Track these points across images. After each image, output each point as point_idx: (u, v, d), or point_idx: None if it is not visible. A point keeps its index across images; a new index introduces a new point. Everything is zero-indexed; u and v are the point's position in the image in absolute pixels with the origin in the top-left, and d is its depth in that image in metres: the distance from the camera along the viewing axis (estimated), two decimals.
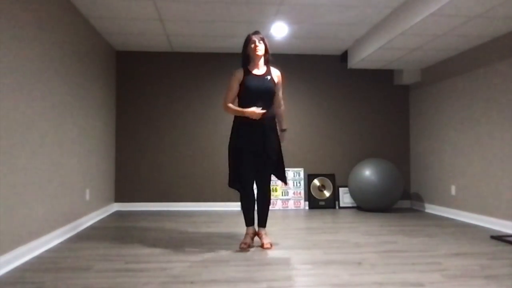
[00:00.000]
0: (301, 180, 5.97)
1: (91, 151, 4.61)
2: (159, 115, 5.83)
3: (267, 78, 3.42)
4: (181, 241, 3.67)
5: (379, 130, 6.14)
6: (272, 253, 3.23)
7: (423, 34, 4.18)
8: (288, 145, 5.97)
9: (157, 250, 3.29)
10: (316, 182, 6.00)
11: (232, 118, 3.52)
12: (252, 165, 3.39)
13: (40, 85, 3.27)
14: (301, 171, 5.98)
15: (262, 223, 3.53)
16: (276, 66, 3.58)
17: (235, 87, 3.41)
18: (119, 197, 5.72)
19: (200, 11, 4.25)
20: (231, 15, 4.36)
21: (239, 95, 3.45)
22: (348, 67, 5.79)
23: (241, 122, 3.38)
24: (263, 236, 3.48)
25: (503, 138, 4.27)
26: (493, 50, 4.41)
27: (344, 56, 5.87)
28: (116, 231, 4.13)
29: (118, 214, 5.29)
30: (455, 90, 5.07)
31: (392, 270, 2.75)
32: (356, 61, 5.41)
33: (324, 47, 5.66)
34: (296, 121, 5.99)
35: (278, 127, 3.56)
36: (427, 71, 5.72)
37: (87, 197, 4.47)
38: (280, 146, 3.52)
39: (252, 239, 3.49)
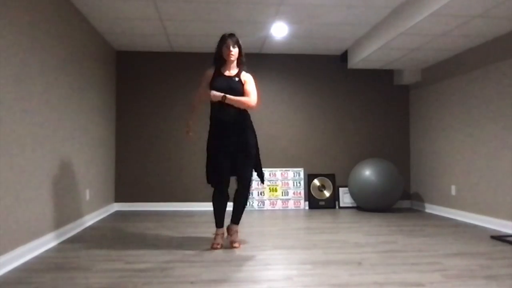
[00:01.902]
0: (301, 180, 5.97)
1: (91, 151, 4.61)
2: (159, 115, 5.83)
3: (235, 80, 3.39)
4: (181, 241, 3.67)
5: (379, 130, 6.14)
6: (272, 253, 3.23)
7: (423, 34, 4.18)
8: (288, 145, 5.98)
9: (157, 250, 3.29)
10: (316, 182, 6.00)
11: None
12: (229, 165, 3.34)
13: (40, 85, 3.27)
14: (301, 171, 5.98)
15: (235, 219, 3.49)
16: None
17: (203, 86, 3.43)
18: (119, 197, 5.72)
19: (200, 11, 4.25)
20: (231, 15, 4.36)
21: None
22: (348, 67, 5.79)
23: (215, 122, 3.37)
24: (234, 234, 3.47)
25: (503, 138, 4.27)
26: (493, 50, 4.41)
27: (344, 56, 5.87)
28: (116, 231, 4.13)
29: (118, 214, 5.29)
30: (455, 90, 5.07)
31: (392, 270, 2.75)
32: (356, 61, 5.41)
33: (324, 47, 5.66)
34: (296, 121, 5.99)
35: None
36: (427, 71, 5.72)
37: (87, 197, 4.47)
38: (257, 143, 3.47)
39: (222, 239, 3.45)
